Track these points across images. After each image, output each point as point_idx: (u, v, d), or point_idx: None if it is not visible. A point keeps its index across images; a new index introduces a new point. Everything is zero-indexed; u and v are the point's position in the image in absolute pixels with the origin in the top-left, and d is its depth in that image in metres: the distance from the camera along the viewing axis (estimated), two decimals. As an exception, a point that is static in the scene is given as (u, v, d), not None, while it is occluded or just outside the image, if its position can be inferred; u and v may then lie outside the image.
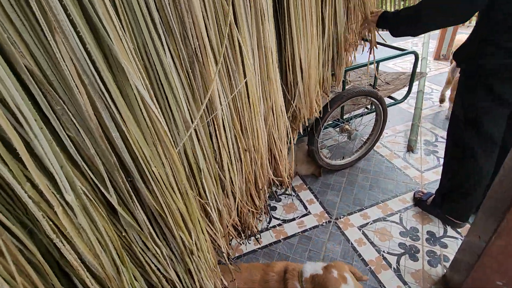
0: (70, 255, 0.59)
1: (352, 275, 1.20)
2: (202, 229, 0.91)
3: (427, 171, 2.29)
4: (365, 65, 2.09)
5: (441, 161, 2.36)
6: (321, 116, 1.96)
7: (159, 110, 0.73)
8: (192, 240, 0.86)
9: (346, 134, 2.28)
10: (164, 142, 0.74)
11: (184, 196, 0.83)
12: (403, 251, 1.76)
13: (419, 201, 2.01)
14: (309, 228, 1.98)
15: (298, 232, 1.96)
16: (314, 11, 1.44)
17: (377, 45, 2.46)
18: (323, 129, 2.12)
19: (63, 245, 0.57)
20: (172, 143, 0.77)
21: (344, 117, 2.26)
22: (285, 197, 2.25)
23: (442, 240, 1.80)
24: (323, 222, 2.00)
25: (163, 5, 0.78)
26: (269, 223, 2.04)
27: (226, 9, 0.92)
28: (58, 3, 0.51)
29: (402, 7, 2.72)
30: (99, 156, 0.65)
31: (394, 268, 1.68)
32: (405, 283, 1.60)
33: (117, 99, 0.63)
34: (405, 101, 2.45)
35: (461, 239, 1.78)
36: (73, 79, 0.57)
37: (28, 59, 0.53)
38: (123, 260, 0.73)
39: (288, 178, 1.52)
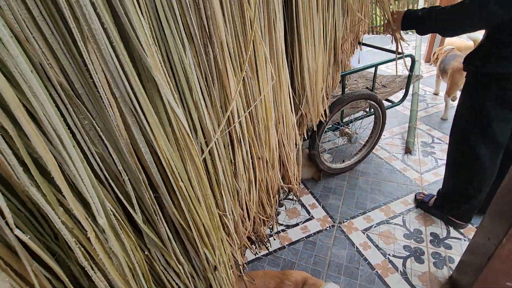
0: (101, 283, 0.54)
1: None
2: (223, 244, 0.87)
3: (426, 173, 2.32)
4: (364, 68, 2.10)
5: (440, 162, 2.41)
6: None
7: (185, 121, 0.69)
8: (215, 255, 0.82)
9: (346, 137, 2.28)
10: (191, 155, 0.70)
11: (208, 210, 0.79)
12: (408, 253, 1.77)
13: (420, 203, 2.03)
14: (313, 233, 1.96)
15: (303, 238, 1.94)
16: (321, 15, 1.43)
17: (374, 49, 2.48)
18: (324, 133, 2.11)
19: (95, 272, 0.53)
20: (199, 155, 0.73)
21: (344, 120, 2.26)
22: (291, 204, 2.23)
23: (445, 241, 1.82)
24: (327, 227, 1.99)
25: (184, 9, 0.74)
26: (272, 228, 2.02)
27: (249, 15, 0.89)
28: (92, 11, 0.46)
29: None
30: (126, 173, 0.61)
31: (400, 271, 1.68)
32: (412, 286, 1.61)
33: (148, 113, 0.58)
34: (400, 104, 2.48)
35: (464, 240, 1.81)
36: (104, 92, 0.52)
37: (56, 71, 0.48)
38: (148, 280, 0.69)
39: (296, 185, 1.50)
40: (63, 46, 0.48)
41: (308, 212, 2.12)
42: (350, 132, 2.25)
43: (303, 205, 2.18)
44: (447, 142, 2.63)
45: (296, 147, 1.48)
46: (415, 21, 1.48)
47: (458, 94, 3.09)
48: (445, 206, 1.87)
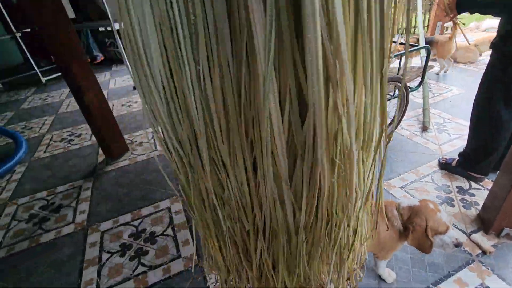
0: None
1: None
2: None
3: (444, 144, 2.77)
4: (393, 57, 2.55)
5: (453, 136, 2.87)
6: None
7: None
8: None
9: (378, 115, 2.71)
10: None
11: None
12: (441, 201, 2.18)
13: (444, 165, 2.45)
14: (359, 191, 2.34)
15: (352, 195, 2.31)
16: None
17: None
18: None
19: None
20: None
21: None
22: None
23: (469, 191, 2.24)
24: (370, 186, 2.38)
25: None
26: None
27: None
28: None
29: None
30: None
31: (438, 213, 2.08)
32: (449, 222, 2.00)
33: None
34: (410, 92, 2.94)
35: (484, 190, 2.23)
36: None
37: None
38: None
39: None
40: None
41: (351, 177, 2.50)
42: (381, 111, 2.67)
43: (345, 172, 2.56)
44: (456, 121, 3.11)
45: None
46: (461, 7, 1.88)
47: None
48: (467, 163, 2.29)
